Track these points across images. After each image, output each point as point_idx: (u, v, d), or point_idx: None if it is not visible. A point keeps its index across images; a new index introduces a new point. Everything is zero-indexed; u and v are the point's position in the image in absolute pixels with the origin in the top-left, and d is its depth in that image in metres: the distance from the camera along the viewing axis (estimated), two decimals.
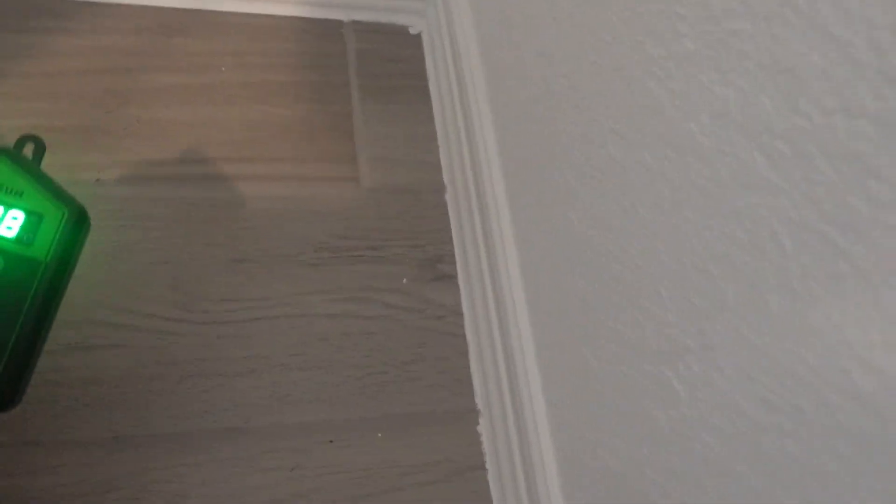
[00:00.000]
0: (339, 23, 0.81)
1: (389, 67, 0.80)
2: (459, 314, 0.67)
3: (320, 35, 0.80)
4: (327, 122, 0.74)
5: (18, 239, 0.35)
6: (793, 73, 0.32)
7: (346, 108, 0.76)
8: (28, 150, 0.40)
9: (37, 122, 0.66)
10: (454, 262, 0.70)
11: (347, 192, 0.71)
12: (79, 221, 0.37)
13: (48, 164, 0.61)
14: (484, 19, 0.71)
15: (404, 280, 0.67)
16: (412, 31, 0.83)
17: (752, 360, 0.34)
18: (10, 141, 0.42)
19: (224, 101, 0.72)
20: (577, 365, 0.51)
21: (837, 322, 0.29)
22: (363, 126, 0.75)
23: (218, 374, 0.59)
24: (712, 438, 0.37)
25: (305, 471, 0.57)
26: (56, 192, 0.37)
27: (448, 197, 0.73)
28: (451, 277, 0.69)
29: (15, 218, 0.35)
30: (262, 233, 0.66)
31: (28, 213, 0.36)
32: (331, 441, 0.58)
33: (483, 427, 0.62)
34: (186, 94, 0.71)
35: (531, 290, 0.59)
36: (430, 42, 0.81)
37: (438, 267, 0.69)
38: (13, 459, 0.52)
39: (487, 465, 0.61)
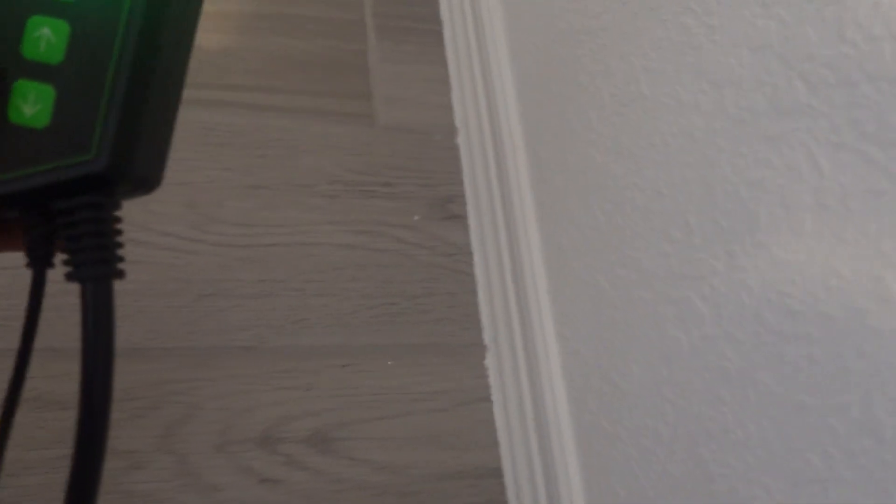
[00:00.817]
0: None
1: (404, 9, 0.81)
2: (469, 253, 0.69)
3: None
4: (343, 58, 0.75)
5: None
6: (841, 3, 0.33)
7: (362, 47, 0.76)
8: None
9: None
10: (464, 204, 0.71)
11: (362, 128, 0.72)
12: None
13: None
14: None
15: (416, 217, 0.68)
16: None
17: (782, 275, 0.36)
18: None
19: (241, 31, 0.72)
20: (592, 296, 0.53)
21: (874, 234, 0.31)
22: (378, 65, 0.75)
23: (234, 294, 0.60)
24: (734, 353, 0.39)
25: (319, 391, 0.58)
26: None
27: (460, 140, 0.74)
28: (462, 218, 0.70)
29: None
30: (278, 162, 0.67)
31: None
32: (344, 365, 0.60)
33: (490, 361, 0.64)
34: (206, 21, 0.71)
35: (546, 228, 0.61)
36: None
37: (449, 207, 0.70)
38: (34, 366, 0.52)
39: (493, 397, 0.63)
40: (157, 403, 0.55)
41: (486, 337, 0.65)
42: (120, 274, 0.23)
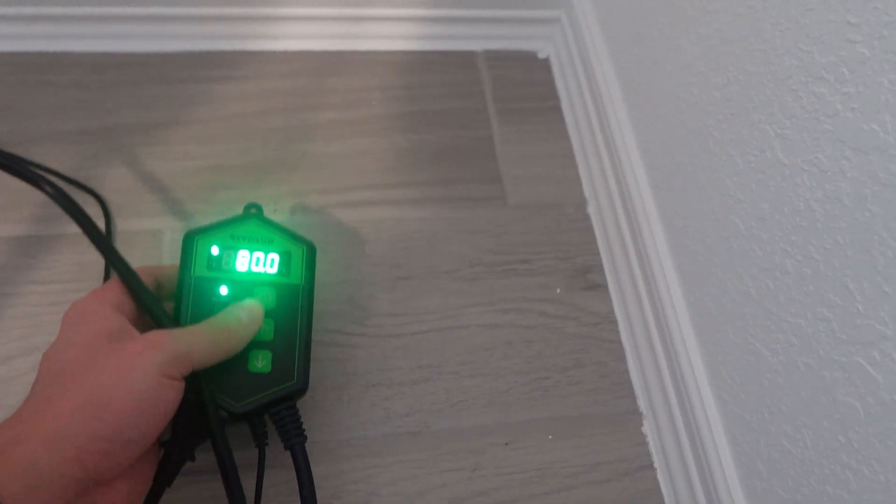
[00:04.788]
0: (473, 53, 0.86)
1: (522, 91, 0.84)
2: (613, 321, 0.70)
3: (456, 66, 0.85)
4: (470, 145, 0.79)
5: (280, 273, 0.52)
6: None
7: (487, 132, 0.80)
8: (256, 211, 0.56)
9: (217, 162, 0.73)
10: (603, 272, 0.73)
11: (495, 210, 0.75)
12: (312, 252, 0.54)
13: (231, 200, 0.68)
14: (616, 40, 0.75)
15: (557, 290, 0.71)
16: (540, 55, 0.87)
17: None
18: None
19: (376, 133, 0.78)
20: (751, 361, 0.53)
21: None
22: (503, 148, 0.79)
23: (396, 382, 0.64)
24: None
25: (485, 471, 0.61)
26: (293, 236, 0.53)
27: (591, 210, 0.76)
28: (602, 286, 0.72)
29: (272, 259, 0.52)
30: (420, 251, 0.71)
31: (281, 253, 0.52)
32: (506, 443, 0.62)
33: (648, 428, 0.64)
34: (343, 128, 0.77)
35: (691, 293, 0.61)
36: (558, 64, 0.85)
37: (588, 277, 0.72)
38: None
39: (656, 465, 0.63)
40: (337, 493, 0.59)
41: (641, 404, 0.66)
42: (307, 438, 0.50)
